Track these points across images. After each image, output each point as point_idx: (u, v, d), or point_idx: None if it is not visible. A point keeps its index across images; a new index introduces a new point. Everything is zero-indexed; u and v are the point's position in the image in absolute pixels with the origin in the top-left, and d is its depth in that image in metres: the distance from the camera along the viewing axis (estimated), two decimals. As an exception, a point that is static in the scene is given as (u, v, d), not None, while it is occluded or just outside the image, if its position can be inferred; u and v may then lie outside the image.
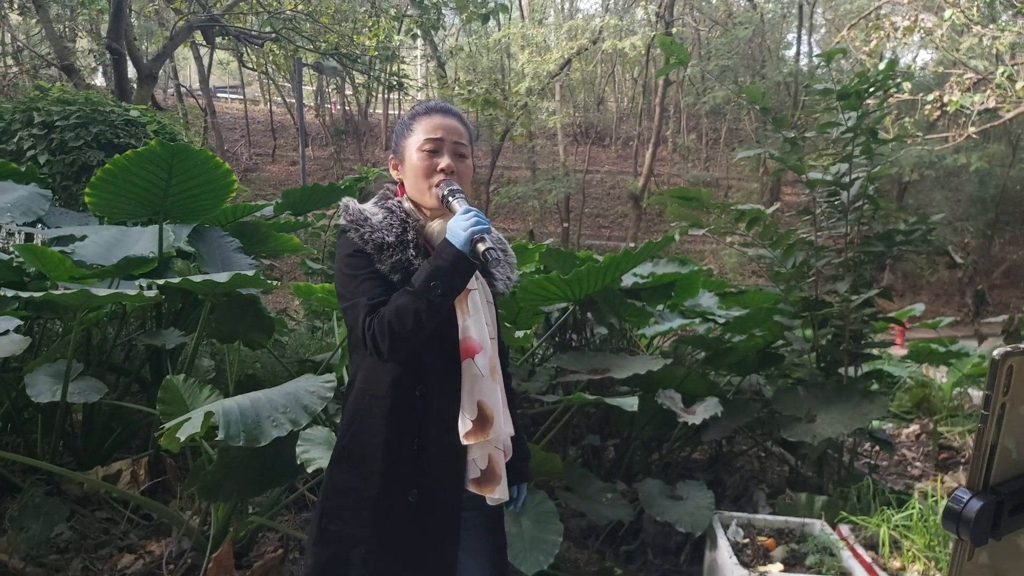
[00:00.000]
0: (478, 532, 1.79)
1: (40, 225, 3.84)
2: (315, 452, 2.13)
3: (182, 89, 23.90)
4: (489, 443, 1.68)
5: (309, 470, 2.01)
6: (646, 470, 3.80)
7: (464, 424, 1.66)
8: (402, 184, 1.80)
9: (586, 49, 21.76)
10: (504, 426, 1.71)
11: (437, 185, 1.71)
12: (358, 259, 1.67)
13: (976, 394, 5.61)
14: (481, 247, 1.56)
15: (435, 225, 1.73)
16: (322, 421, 2.83)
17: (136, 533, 3.10)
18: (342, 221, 1.71)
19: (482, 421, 1.66)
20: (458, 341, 1.68)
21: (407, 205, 1.76)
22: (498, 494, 1.71)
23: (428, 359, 1.68)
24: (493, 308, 1.82)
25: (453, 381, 1.68)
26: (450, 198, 1.67)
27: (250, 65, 14.94)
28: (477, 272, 1.71)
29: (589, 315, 3.87)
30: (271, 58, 13.60)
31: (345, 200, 1.76)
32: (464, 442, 1.66)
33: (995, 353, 0.83)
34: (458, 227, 1.59)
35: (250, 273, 2.81)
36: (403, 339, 1.57)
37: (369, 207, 1.75)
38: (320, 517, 1.72)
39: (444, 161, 1.72)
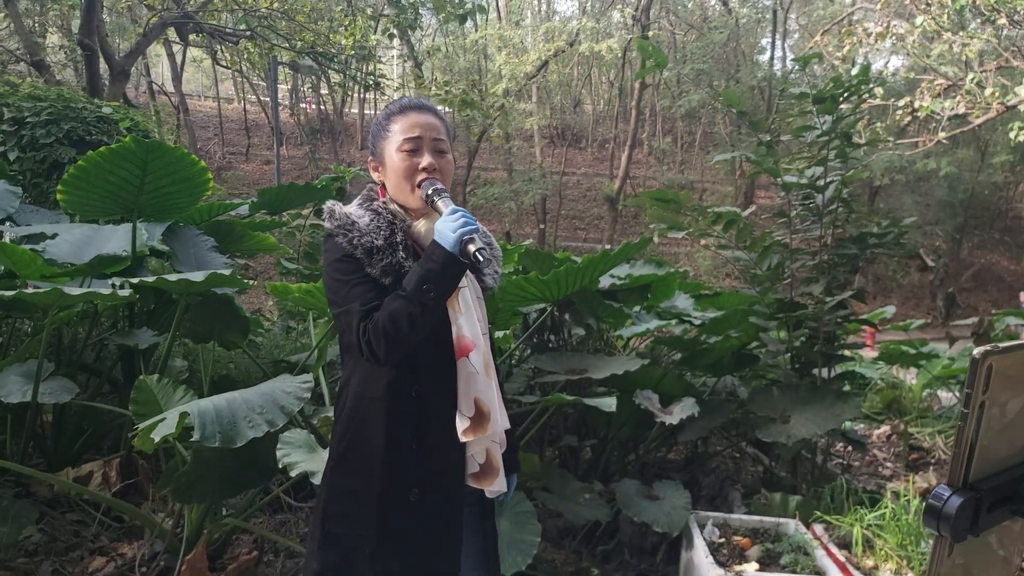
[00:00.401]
0: (472, 526, 1.81)
1: (9, 223, 3.77)
2: (296, 455, 2.11)
3: (154, 87, 23.61)
4: (487, 438, 1.70)
5: (292, 474, 1.99)
6: (623, 470, 3.81)
7: (462, 422, 1.67)
8: (384, 185, 1.79)
9: (563, 51, 21.83)
10: (500, 420, 1.73)
11: (419, 184, 1.69)
12: (348, 264, 1.65)
13: (945, 395, 5.70)
14: (471, 248, 1.56)
15: (421, 225, 1.73)
16: (298, 423, 2.80)
17: (107, 536, 3.05)
18: (328, 225, 1.69)
19: (479, 418, 1.68)
20: (451, 340, 1.69)
21: (392, 206, 1.75)
22: (496, 487, 1.73)
23: (422, 359, 1.68)
24: (483, 303, 1.82)
25: (448, 380, 1.69)
26: (435, 198, 1.66)
27: (224, 63, 14.81)
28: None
29: (567, 316, 3.88)
30: (246, 56, 13.49)
31: (330, 204, 1.74)
32: (462, 439, 1.67)
33: (975, 352, 0.84)
34: (446, 228, 1.59)
35: (226, 272, 2.78)
36: (398, 343, 1.57)
37: (355, 210, 1.73)
38: (323, 521, 1.71)
39: (425, 159, 1.70)
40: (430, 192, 1.67)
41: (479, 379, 1.69)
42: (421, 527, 1.68)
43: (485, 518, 1.87)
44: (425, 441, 1.69)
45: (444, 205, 1.64)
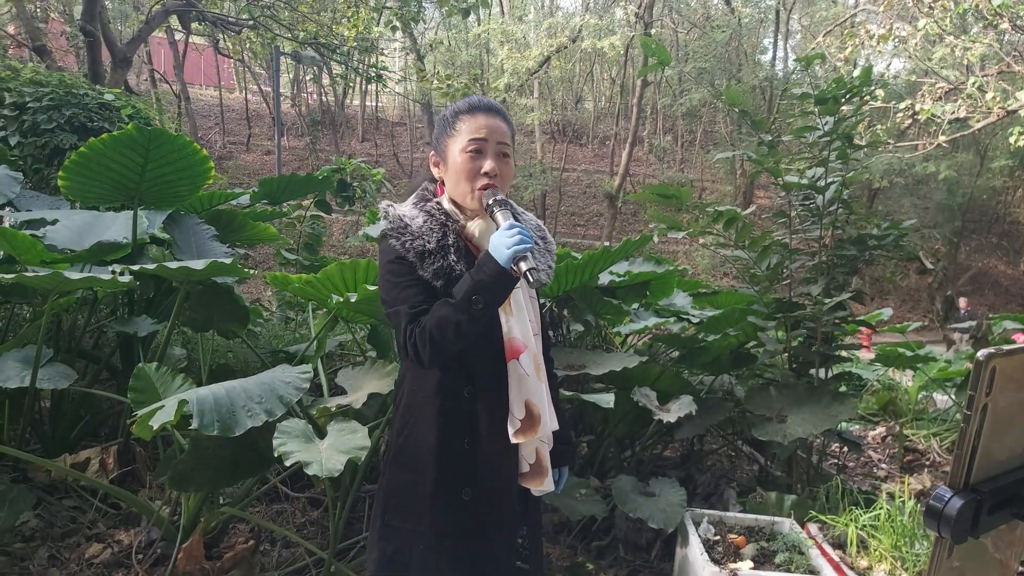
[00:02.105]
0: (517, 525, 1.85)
1: (9, 208, 3.76)
2: (292, 445, 2.11)
3: (156, 75, 23.54)
4: (537, 439, 1.72)
5: (287, 463, 1.99)
6: (619, 467, 3.82)
7: (513, 424, 1.69)
8: (442, 182, 1.80)
9: (565, 47, 21.84)
10: (550, 421, 1.75)
11: (481, 189, 1.70)
12: (400, 266, 1.68)
13: (941, 398, 5.71)
14: (523, 266, 1.58)
15: (475, 226, 1.74)
16: (297, 413, 2.81)
17: (104, 522, 3.05)
18: (384, 226, 1.72)
19: (530, 420, 1.69)
20: (503, 341, 1.70)
21: (447, 206, 1.76)
22: (545, 486, 1.76)
23: (474, 360, 1.70)
24: (535, 302, 1.84)
25: (500, 381, 1.71)
26: (495, 209, 1.67)
27: (226, 52, 14.77)
28: None
29: (566, 312, 3.88)
30: (248, 45, 13.45)
31: (385, 204, 1.77)
32: (513, 441, 1.69)
33: (979, 354, 0.85)
34: (501, 244, 1.59)
35: (227, 261, 2.78)
36: (443, 349, 1.60)
37: (408, 210, 1.75)
38: (383, 513, 1.77)
39: (488, 164, 1.71)
40: (491, 203, 1.68)
41: (530, 381, 1.70)
42: (473, 525, 1.71)
43: (530, 514, 1.88)
44: (477, 441, 1.71)
45: (503, 218, 1.66)
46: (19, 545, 2.81)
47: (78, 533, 2.97)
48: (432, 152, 1.83)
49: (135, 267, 2.77)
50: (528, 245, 1.59)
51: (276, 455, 2.04)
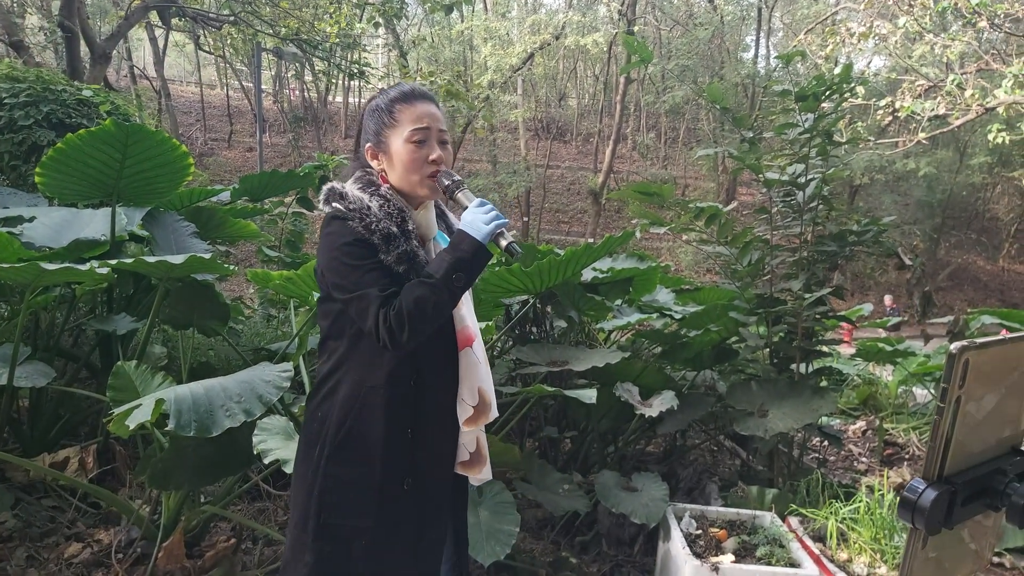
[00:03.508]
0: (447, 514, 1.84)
1: (-14, 205, 3.71)
2: (272, 442, 2.10)
3: (135, 71, 23.33)
4: (479, 427, 1.73)
5: (266, 461, 1.99)
6: (602, 462, 3.83)
7: (464, 411, 1.70)
8: (383, 172, 1.76)
9: (548, 44, 21.83)
10: (494, 410, 1.77)
11: (431, 176, 1.69)
12: (361, 248, 1.62)
13: (921, 392, 5.77)
14: (503, 242, 1.59)
15: (420, 215, 1.74)
16: (278, 412, 2.79)
17: (84, 522, 3.02)
18: (338, 207, 1.65)
19: (482, 407, 1.71)
20: (452, 331, 1.70)
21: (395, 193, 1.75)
22: (484, 474, 1.77)
23: (423, 349, 1.67)
24: (471, 292, 1.85)
25: (450, 370, 1.71)
26: (456, 191, 1.67)
27: (207, 48, 14.66)
28: None
29: (549, 308, 3.88)
30: (229, 42, 13.35)
31: (337, 186, 1.71)
32: (464, 428, 1.71)
33: (952, 347, 0.85)
34: (478, 220, 1.60)
35: (206, 257, 2.76)
36: (422, 329, 1.57)
37: (361, 194, 1.69)
38: (319, 512, 1.67)
39: (435, 152, 1.70)
40: (448, 184, 1.68)
41: (481, 369, 1.72)
42: (413, 516, 1.70)
43: (459, 508, 1.90)
44: (420, 431, 1.69)
45: (466, 198, 1.66)
46: (-4, 545, 2.78)
47: (57, 533, 2.94)
48: (368, 144, 1.77)
49: (113, 261, 2.75)
50: (505, 220, 1.61)
51: (255, 452, 2.03)
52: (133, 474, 3.14)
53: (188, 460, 2.45)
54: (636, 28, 21.65)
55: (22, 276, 2.60)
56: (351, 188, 1.71)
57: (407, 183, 1.72)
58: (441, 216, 1.89)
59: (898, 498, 2.90)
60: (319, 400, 1.73)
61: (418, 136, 1.69)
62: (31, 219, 3.36)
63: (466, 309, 1.73)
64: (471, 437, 1.76)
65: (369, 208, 1.65)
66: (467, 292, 1.74)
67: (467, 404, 1.71)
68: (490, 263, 3.84)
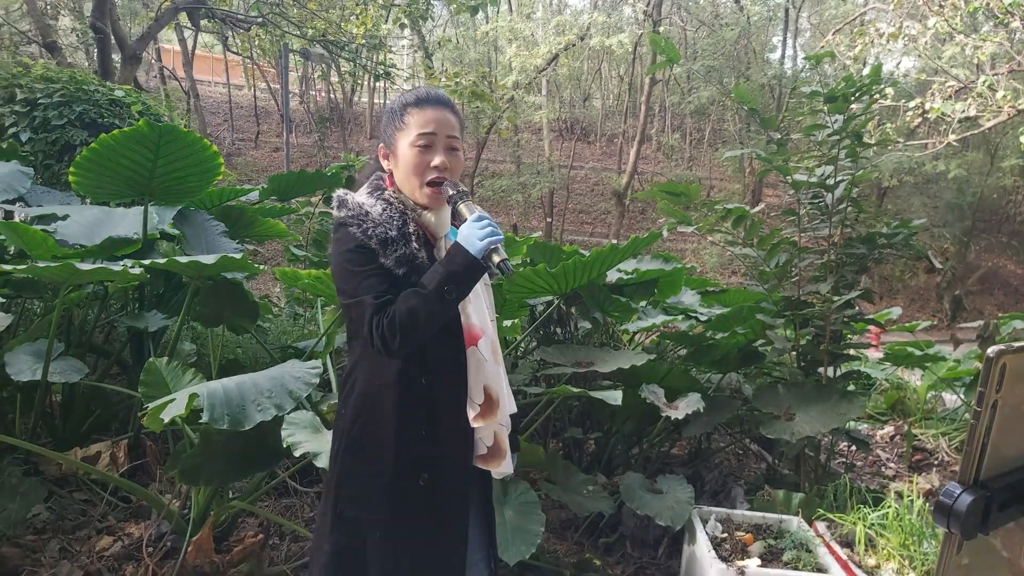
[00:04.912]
0: (473, 508, 1.85)
1: (20, 203, 3.78)
2: (300, 436, 2.12)
3: (164, 71, 23.60)
4: (495, 422, 1.74)
5: (296, 454, 2.01)
6: (626, 464, 3.82)
7: (472, 409, 1.71)
8: (391, 174, 1.79)
9: (573, 45, 21.77)
10: (508, 405, 1.77)
11: (430, 183, 1.71)
12: (361, 254, 1.65)
13: (950, 397, 5.69)
14: (496, 258, 1.60)
15: (430, 215, 1.75)
16: (306, 408, 2.82)
17: (114, 515, 3.07)
18: (340, 214, 1.69)
19: (489, 404, 1.72)
20: (461, 329, 1.72)
21: (401, 195, 1.76)
22: (503, 468, 1.78)
23: (432, 348, 1.70)
24: (490, 290, 1.86)
25: (458, 367, 1.72)
26: (459, 202, 1.69)
27: (235, 49, 14.79)
28: None
29: (573, 309, 3.89)
30: (257, 43, 13.47)
31: (340, 193, 1.74)
32: (473, 425, 1.72)
33: (989, 351, 0.85)
34: (473, 235, 1.61)
35: (237, 256, 2.79)
36: (413, 337, 1.60)
37: (364, 199, 1.73)
38: (335, 504, 1.73)
39: (438, 158, 1.71)
40: (453, 194, 1.70)
41: (488, 366, 1.73)
42: (430, 510, 1.72)
43: (485, 501, 1.91)
44: (435, 427, 1.72)
45: (468, 210, 1.67)
46: (31, 537, 2.84)
47: (89, 526, 2.99)
48: (380, 145, 1.81)
49: (146, 261, 2.79)
50: (500, 237, 1.61)
51: (284, 446, 2.05)
52: (163, 469, 3.19)
53: (218, 456, 2.49)
54: (662, 28, 21.55)
55: (57, 275, 2.65)
56: (360, 194, 1.75)
57: (407, 187, 1.75)
58: (458, 213, 1.90)
59: (930, 505, 2.86)
60: (343, 397, 1.79)
61: (423, 141, 1.71)
62: (64, 217, 3.42)
63: (472, 307, 1.73)
64: (488, 432, 1.76)
65: (367, 213, 1.68)
66: (479, 288, 1.75)
67: (474, 401, 1.72)
68: (515, 264, 3.87)
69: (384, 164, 1.81)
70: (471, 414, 1.71)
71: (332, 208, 1.75)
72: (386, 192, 1.75)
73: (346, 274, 1.68)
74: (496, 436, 1.78)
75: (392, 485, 1.69)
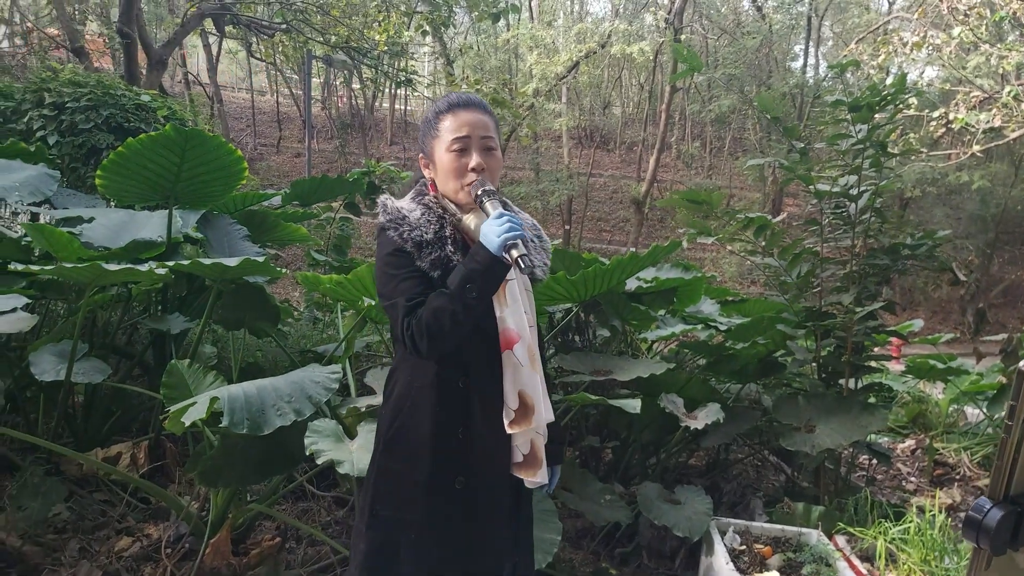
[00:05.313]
0: (508, 516, 1.85)
1: (46, 206, 3.83)
2: (324, 444, 2.13)
3: (189, 77, 23.86)
4: (531, 429, 1.73)
5: (319, 461, 2.02)
6: (643, 474, 3.80)
7: (507, 414, 1.71)
8: (433, 182, 1.82)
9: (594, 53, 21.75)
10: (545, 412, 1.75)
11: (469, 184, 1.72)
12: (398, 258, 1.70)
13: (972, 411, 5.61)
14: (514, 253, 1.60)
15: (470, 220, 1.76)
16: (325, 413, 2.83)
17: (133, 516, 3.09)
18: (381, 219, 1.74)
19: (524, 410, 1.71)
20: (497, 332, 1.72)
21: (444, 201, 1.79)
22: (539, 478, 1.76)
23: (469, 351, 1.72)
24: (531, 295, 1.85)
25: (494, 372, 1.73)
26: (484, 199, 1.70)
27: (259, 55, 14.94)
28: None
29: (592, 317, 3.87)
30: (280, 49, 13.59)
31: (383, 198, 1.79)
32: (508, 431, 1.71)
33: (1021, 364, 0.84)
34: (492, 232, 1.62)
35: (259, 260, 2.81)
36: (440, 339, 1.62)
37: (407, 204, 1.77)
38: (372, 503, 1.77)
39: (474, 160, 1.73)
40: (479, 193, 1.71)
41: (524, 372, 1.71)
42: (465, 514, 1.73)
43: (521, 508, 1.90)
44: (471, 430, 1.73)
45: (492, 208, 1.68)
46: (51, 536, 2.86)
47: (108, 526, 3.01)
48: (420, 155, 1.85)
49: (170, 263, 2.82)
50: (518, 232, 1.61)
51: (308, 453, 2.06)
52: (183, 471, 3.21)
53: (237, 459, 2.50)
54: (683, 37, 21.49)
55: (84, 275, 2.69)
56: (404, 200, 1.79)
57: (449, 191, 1.78)
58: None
59: (952, 520, 2.82)
60: (384, 398, 1.84)
61: (457, 145, 1.74)
62: (90, 220, 3.47)
63: (509, 311, 1.72)
64: (524, 439, 1.75)
65: (405, 218, 1.72)
66: (516, 293, 1.74)
67: (508, 407, 1.71)
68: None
69: (426, 173, 1.84)
70: (506, 419, 1.71)
71: (378, 213, 1.79)
72: (427, 197, 1.79)
73: (384, 277, 1.72)
74: (533, 444, 1.76)
75: (427, 487, 1.71)
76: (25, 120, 5.10)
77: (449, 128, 1.75)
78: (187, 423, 2.06)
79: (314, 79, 22.95)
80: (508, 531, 1.84)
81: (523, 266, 1.60)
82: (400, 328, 1.64)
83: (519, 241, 1.60)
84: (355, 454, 2.09)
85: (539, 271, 1.87)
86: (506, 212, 1.66)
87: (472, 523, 1.74)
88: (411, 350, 1.64)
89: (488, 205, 1.69)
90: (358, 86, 26.03)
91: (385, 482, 1.77)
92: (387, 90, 26.55)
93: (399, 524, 1.73)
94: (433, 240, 1.69)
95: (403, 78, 12.70)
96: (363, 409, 2.68)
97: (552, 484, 1.97)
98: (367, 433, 2.28)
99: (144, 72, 9.34)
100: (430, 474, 1.71)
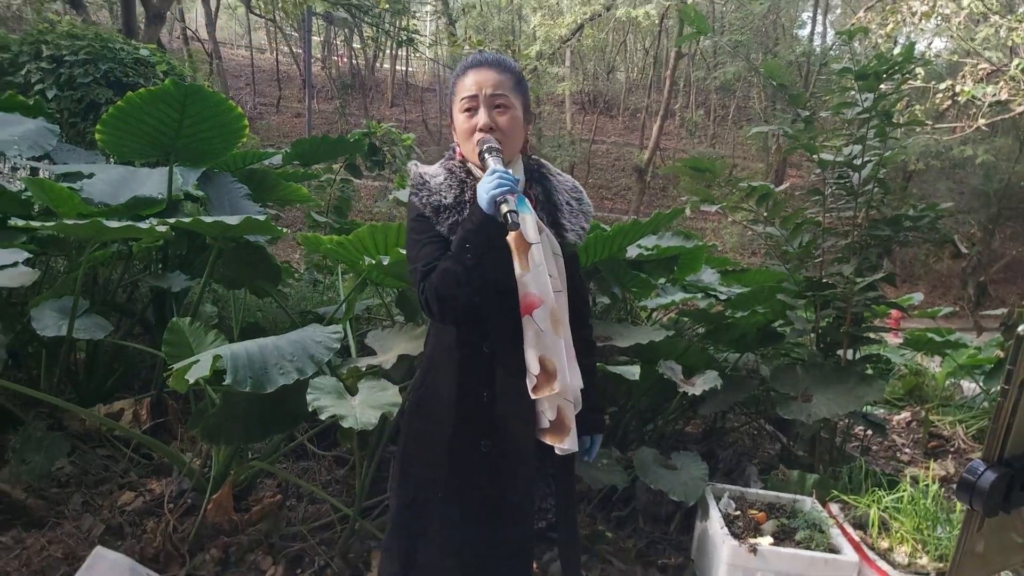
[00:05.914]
0: (543, 482, 1.88)
1: (46, 161, 3.81)
2: (326, 400, 2.14)
3: (187, 32, 23.56)
4: (558, 395, 1.70)
5: (322, 417, 2.02)
6: (640, 440, 3.84)
7: (530, 379, 1.70)
8: (458, 146, 1.83)
9: (599, 15, 21.48)
10: (571, 379, 1.72)
11: (477, 143, 1.71)
12: (420, 223, 1.73)
13: (969, 385, 5.65)
14: (504, 208, 1.57)
15: None
16: (326, 373, 2.84)
17: (136, 472, 3.13)
18: (408, 185, 1.80)
19: (546, 376, 1.69)
20: (517, 297, 1.69)
21: (469, 165, 1.79)
22: (567, 444, 1.74)
23: (491, 315, 1.72)
24: (560, 260, 1.79)
25: (516, 336, 1.71)
26: (486, 155, 1.67)
27: (258, 11, 14.74)
28: (542, 224, 1.73)
29: (592, 284, 3.88)
30: (280, 5, 13.40)
31: (411, 164, 1.82)
32: (532, 396, 1.70)
33: (1020, 329, 0.84)
34: (482, 190, 1.61)
35: (261, 218, 2.80)
36: (449, 302, 1.64)
37: (433, 169, 1.79)
38: (402, 461, 1.85)
39: (480, 119, 1.71)
40: (483, 150, 1.68)
41: (546, 336, 1.67)
42: (491, 476, 1.74)
43: (557, 477, 1.89)
44: (496, 394, 1.74)
45: (492, 163, 1.66)
46: (55, 490, 2.90)
47: (111, 481, 3.05)
48: (449, 121, 1.87)
49: (171, 220, 2.81)
50: (506, 188, 1.58)
51: (310, 409, 2.07)
52: (185, 428, 3.24)
53: (239, 416, 2.52)
54: (689, 1, 21.23)
55: (85, 232, 2.68)
56: (435, 165, 1.81)
57: (467, 152, 1.77)
58: (540, 179, 1.87)
59: (945, 491, 2.85)
60: (421, 363, 1.90)
61: (466, 105, 1.74)
62: (90, 175, 3.44)
63: (532, 275, 1.66)
64: (551, 404, 1.72)
65: (426, 183, 1.74)
66: (538, 257, 1.68)
67: (531, 372, 1.69)
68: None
69: (455, 138, 1.85)
70: (529, 384, 1.69)
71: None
72: (452, 162, 1.80)
73: (409, 242, 1.76)
74: (560, 411, 1.72)
75: (451, 448, 1.75)
76: (23, 73, 5.04)
77: (460, 90, 1.75)
78: (190, 381, 2.07)
79: (314, 37, 22.68)
80: (534, 497, 1.83)
81: (511, 222, 1.55)
82: (418, 292, 1.67)
83: (508, 197, 1.57)
84: (358, 409, 2.10)
85: (572, 235, 1.83)
86: (498, 168, 1.62)
87: (498, 487, 1.75)
88: (428, 314, 1.68)
89: (489, 160, 1.66)
90: (359, 46, 25.73)
91: (413, 441, 1.84)
92: (388, 50, 26.27)
93: (427, 483, 1.78)
94: (452, 204, 1.70)
95: (404, 37, 12.55)
96: (363, 368, 2.69)
97: (593, 452, 1.97)
98: (368, 390, 2.29)
99: (142, 26, 9.21)
100: (453, 435, 1.74)
